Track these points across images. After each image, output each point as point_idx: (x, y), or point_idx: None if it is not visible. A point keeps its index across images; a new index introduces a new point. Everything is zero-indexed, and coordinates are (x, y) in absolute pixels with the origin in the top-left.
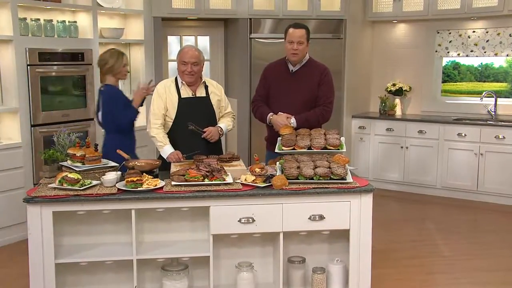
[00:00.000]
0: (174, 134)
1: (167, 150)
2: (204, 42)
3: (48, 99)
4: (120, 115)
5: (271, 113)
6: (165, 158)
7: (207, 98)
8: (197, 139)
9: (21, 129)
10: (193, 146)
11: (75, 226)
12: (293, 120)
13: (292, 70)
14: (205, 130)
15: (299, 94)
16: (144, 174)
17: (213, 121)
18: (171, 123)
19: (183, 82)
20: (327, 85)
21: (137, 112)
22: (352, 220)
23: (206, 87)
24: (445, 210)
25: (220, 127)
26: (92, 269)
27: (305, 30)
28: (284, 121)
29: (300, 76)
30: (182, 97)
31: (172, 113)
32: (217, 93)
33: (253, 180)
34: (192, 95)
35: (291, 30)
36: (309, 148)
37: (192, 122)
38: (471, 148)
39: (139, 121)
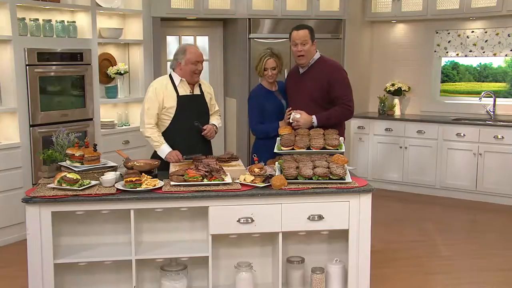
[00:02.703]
0: (172, 132)
1: (164, 149)
2: (203, 42)
3: (47, 99)
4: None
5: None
6: (163, 157)
7: (202, 96)
8: (194, 137)
9: (20, 129)
10: (190, 144)
11: (74, 226)
12: (314, 120)
13: (301, 72)
14: (205, 127)
15: (306, 93)
16: (143, 174)
17: (207, 119)
18: (168, 121)
19: (181, 79)
20: (341, 83)
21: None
22: (351, 220)
23: (199, 86)
24: (444, 210)
25: (215, 125)
26: (91, 269)
27: (308, 30)
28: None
29: (308, 76)
30: (180, 94)
31: (171, 111)
32: (209, 92)
33: (252, 180)
34: (190, 92)
35: (294, 32)
36: (308, 148)
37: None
38: (470, 148)
39: (137, 121)
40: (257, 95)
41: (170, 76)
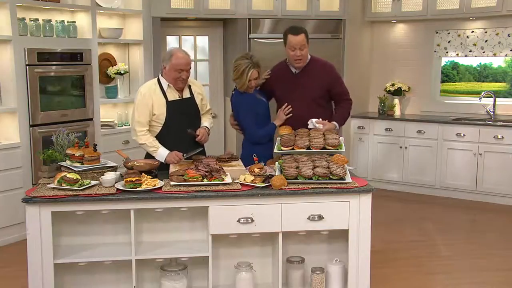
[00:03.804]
0: (164, 138)
1: (162, 153)
2: (203, 42)
3: (47, 99)
4: None
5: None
6: (163, 161)
7: (192, 99)
8: (186, 142)
9: (20, 129)
10: (182, 148)
11: (74, 226)
12: (337, 126)
13: (295, 72)
14: (198, 133)
15: (306, 93)
16: (143, 174)
17: (198, 121)
18: (159, 128)
19: (169, 84)
20: (340, 81)
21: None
22: (351, 220)
23: (189, 87)
24: (444, 210)
25: (207, 127)
26: (91, 270)
27: (304, 34)
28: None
29: (304, 76)
30: (169, 100)
31: (161, 117)
32: (200, 92)
33: (252, 180)
34: (179, 97)
35: (291, 37)
36: (308, 148)
37: (186, 153)
38: (470, 148)
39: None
40: (248, 101)
41: (159, 80)
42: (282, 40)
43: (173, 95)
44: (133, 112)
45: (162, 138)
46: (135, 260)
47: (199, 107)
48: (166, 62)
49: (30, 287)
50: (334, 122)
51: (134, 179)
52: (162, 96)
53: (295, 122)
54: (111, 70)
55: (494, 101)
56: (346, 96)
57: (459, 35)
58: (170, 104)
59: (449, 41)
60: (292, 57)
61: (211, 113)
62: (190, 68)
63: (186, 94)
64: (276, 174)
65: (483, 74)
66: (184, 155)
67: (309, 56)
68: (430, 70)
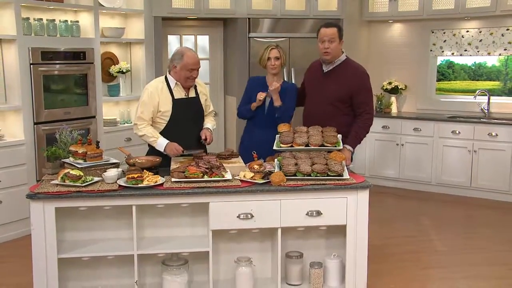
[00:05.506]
0: (167, 135)
1: (162, 142)
2: (203, 41)
3: (50, 97)
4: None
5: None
6: (163, 151)
7: (197, 98)
8: (189, 140)
9: (24, 127)
10: (185, 146)
11: (77, 221)
12: (350, 149)
13: (324, 71)
14: (203, 137)
15: (327, 95)
16: (144, 170)
17: (202, 121)
18: (164, 125)
19: (177, 82)
20: (365, 91)
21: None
22: (349, 216)
23: (195, 87)
24: (439, 206)
25: (210, 129)
26: (93, 264)
27: (336, 28)
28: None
29: (331, 77)
30: (175, 98)
31: (167, 114)
32: (204, 93)
33: (251, 177)
34: (185, 95)
35: (322, 29)
36: (307, 145)
37: (187, 149)
38: (465, 145)
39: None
40: (253, 82)
41: (166, 78)
42: (281, 39)
43: (179, 94)
44: (137, 107)
45: (166, 135)
46: (137, 254)
47: (204, 107)
48: (177, 62)
49: (35, 281)
50: (348, 147)
51: (136, 175)
52: (169, 94)
53: (312, 121)
54: (113, 69)
55: (489, 99)
56: (364, 108)
57: (454, 35)
58: (176, 102)
59: (444, 41)
60: (321, 49)
61: (214, 114)
62: (199, 66)
63: (192, 94)
64: (275, 171)
65: (477, 73)
66: (184, 151)
67: (343, 57)
68: (426, 69)
